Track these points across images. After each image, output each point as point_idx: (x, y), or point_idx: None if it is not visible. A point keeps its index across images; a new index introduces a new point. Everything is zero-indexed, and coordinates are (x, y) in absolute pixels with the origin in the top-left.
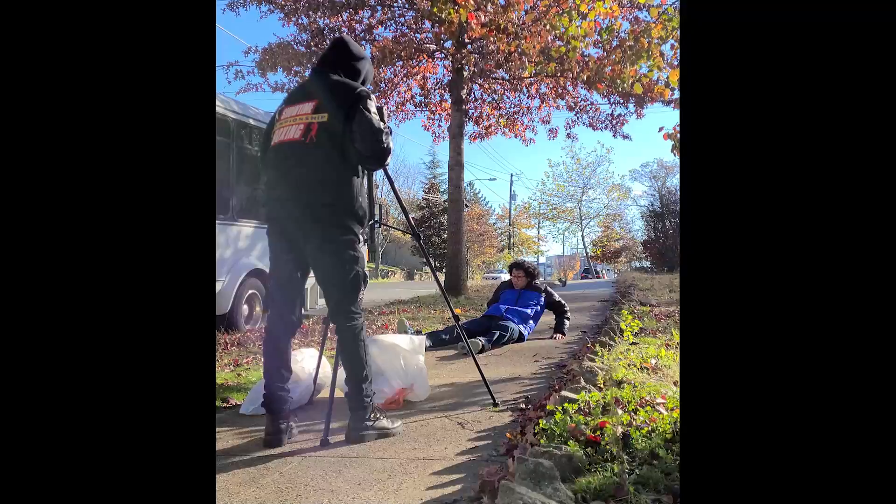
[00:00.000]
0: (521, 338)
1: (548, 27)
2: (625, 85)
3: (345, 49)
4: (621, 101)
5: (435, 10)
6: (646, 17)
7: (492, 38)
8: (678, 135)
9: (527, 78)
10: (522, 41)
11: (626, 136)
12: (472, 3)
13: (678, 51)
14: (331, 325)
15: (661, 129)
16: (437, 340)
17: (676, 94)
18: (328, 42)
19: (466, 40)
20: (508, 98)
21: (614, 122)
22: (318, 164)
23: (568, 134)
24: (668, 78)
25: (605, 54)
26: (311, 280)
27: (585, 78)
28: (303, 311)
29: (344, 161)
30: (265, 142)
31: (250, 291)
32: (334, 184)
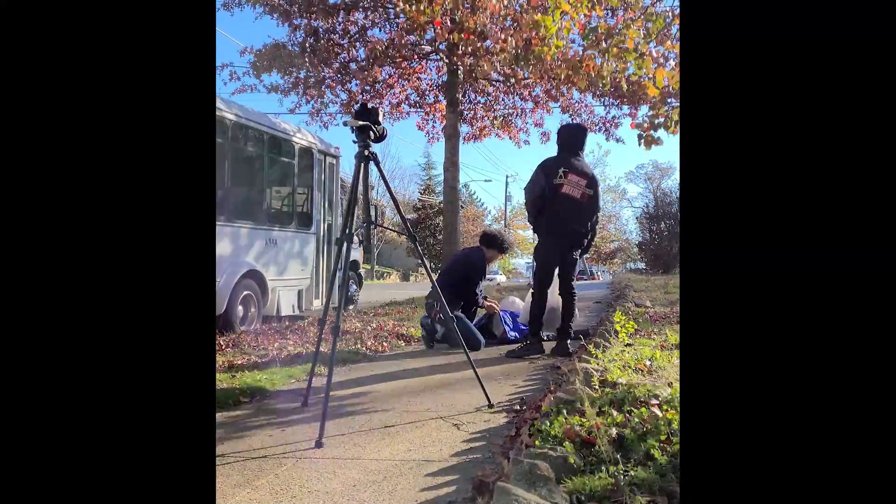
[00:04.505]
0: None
1: (525, 27)
2: (603, 82)
3: None
4: (615, 102)
5: (407, 10)
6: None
7: (462, 42)
8: (645, 125)
9: (521, 80)
10: (498, 43)
11: (618, 140)
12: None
13: (663, 49)
14: (326, 326)
15: (633, 117)
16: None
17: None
18: (322, 42)
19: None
20: (503, 100)
21: (608, 124)
22: None
23: None
24: (654, 76)
25: (581, 51)
26: (305, 282)
27: (564, 77)
28: (301, 311)
29: None
30: None
31: (245, 292)
32: None
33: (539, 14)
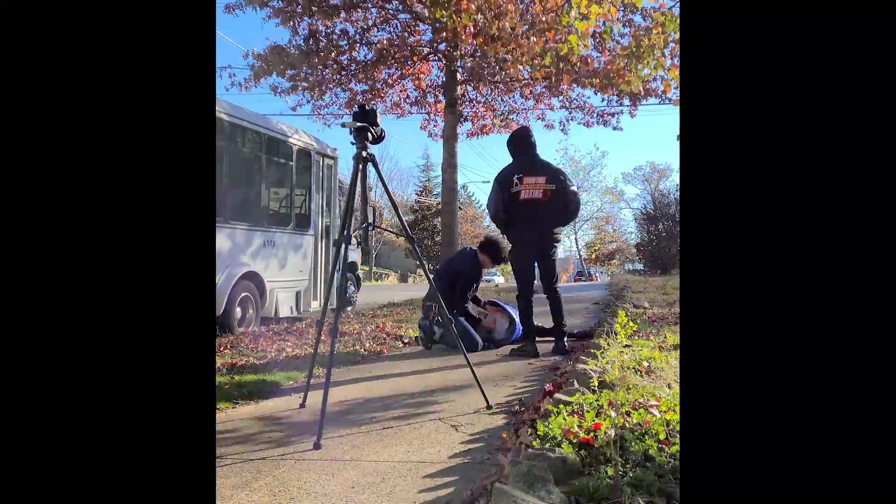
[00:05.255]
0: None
1: (546, 26)
2: (630, 87)
3: None
4: (615, 98)
5: (438, 15)
6: (642, 21)
7: (485, 48)
8: None
9: (521, 80)
10: (518, 48)
11: (616, 128)
12: (473, 8)
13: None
14: (323, 327)
15: (631, 115)
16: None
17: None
18: (323, 45)
19: (460, 44)
20: (503, 100)
21: (606, 116)
22: None
23: (562, 129)
24: (668, 74)
25: (611, 59)
26: (303, 283)
27: (589, 76)
28: (299, 312)
29: None
30: None
31: (243, 294)
32: None
33: (561, 13)
